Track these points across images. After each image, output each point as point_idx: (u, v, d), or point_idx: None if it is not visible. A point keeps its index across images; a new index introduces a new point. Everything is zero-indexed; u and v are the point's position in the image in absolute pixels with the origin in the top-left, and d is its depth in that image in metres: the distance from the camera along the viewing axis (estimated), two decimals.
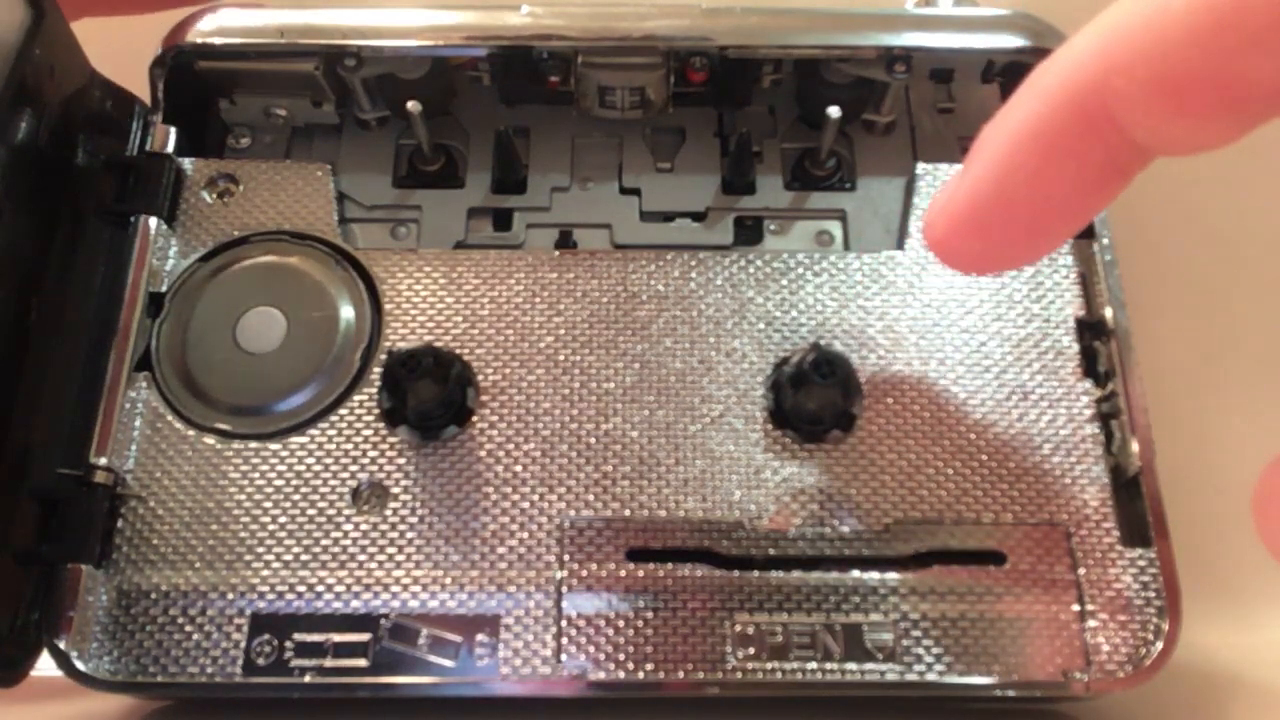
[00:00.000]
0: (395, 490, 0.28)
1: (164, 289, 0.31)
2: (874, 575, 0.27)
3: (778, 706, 0.28)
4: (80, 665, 0.26)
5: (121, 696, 0.28)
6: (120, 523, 0.28)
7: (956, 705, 0.29)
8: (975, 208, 0.21)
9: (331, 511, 0.28)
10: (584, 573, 0.27)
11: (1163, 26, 0.17)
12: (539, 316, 0.30)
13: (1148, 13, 0.17)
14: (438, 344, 0.29)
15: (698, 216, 0.33)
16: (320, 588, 0.27)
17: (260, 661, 0.26)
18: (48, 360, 0.29)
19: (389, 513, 0.28)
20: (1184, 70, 0.17)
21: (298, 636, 0.27)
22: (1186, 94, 0.18)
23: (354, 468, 0.28)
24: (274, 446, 0.29)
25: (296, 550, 0.27)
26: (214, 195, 0.32)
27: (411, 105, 0.31)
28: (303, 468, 0.28)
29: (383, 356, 0.29)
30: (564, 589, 0.27)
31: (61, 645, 0.26)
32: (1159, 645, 0.27)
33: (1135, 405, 0.29)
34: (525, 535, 0.28)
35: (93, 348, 0.29)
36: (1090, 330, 0.30)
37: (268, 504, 0.28)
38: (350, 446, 0.29)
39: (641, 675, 0.26)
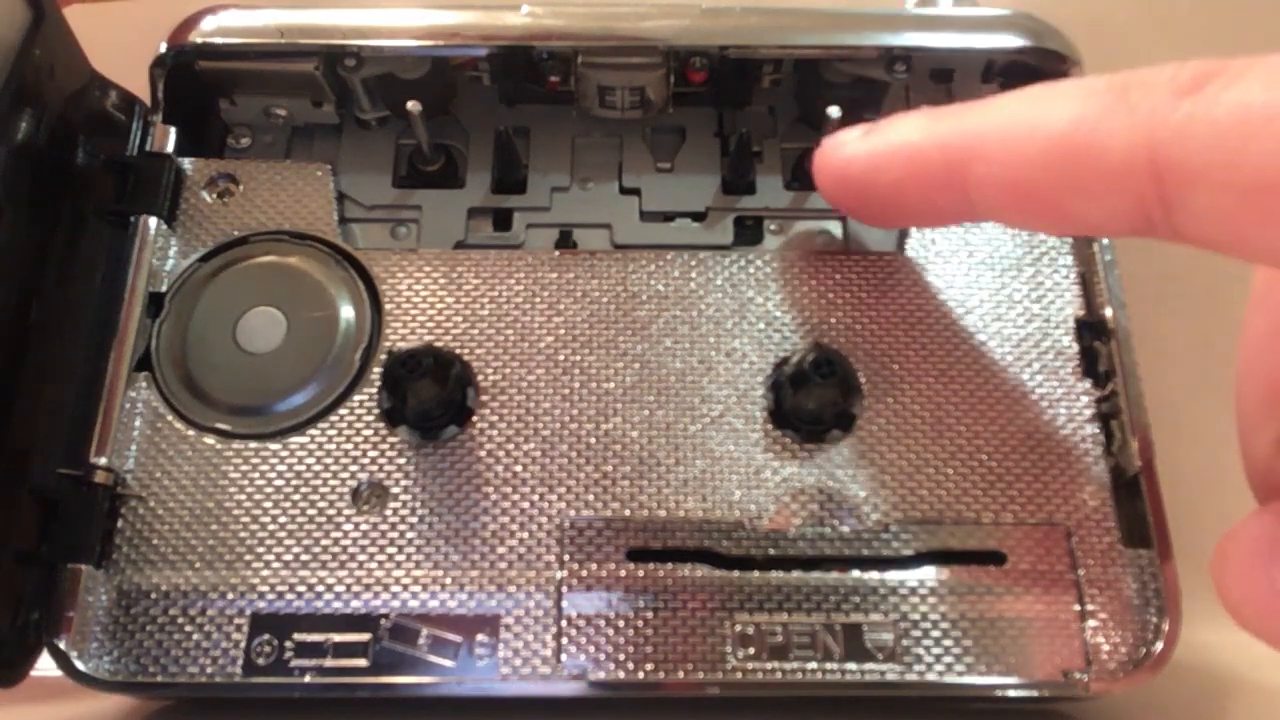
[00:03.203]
0: (395, 490, 0.28)
1: (164, 289, 0.31)
2: (874, 575, 0.27)
3: (778, 706, 0.28)
4: (80, 665, 0.26)
5: (121, 696, 0.28)
6: (120, 523, 0.28)
7: (956, 705, 0.29)
8: (850, 178, 0.26)
9: (331, 511, 0.28)
10: (584, 573, 0.27)
11: (1028, 144, 0.20)
12: (539, 316, 0.30)
13: (1021, 128, 0.21)
14: (438, 344, 0.29)
15: (698, 216, 0.33)
16: (320, 588, 0.27)
17: (260, 661, 0.26)
18: (48, 360, 0.29)
19: (389, 513, 0.28)
20: (1030, 185, 0.21)
21: (298, 636, 0.27)
22: (1026, 202, 0.21)
23: (354, 468, 0.28)
24: (274, 446, 0.29)
25: (296, 550, 0.27)
26: (214, 195, 0.32)
27: (411, 105, 0.31)
28: (303, 468, 0.28)
29: (383, 356, 0.29)
30: (564, 589, 0.27)
31: (61, 645, 0.26)
32: (1159, 645, 0.27)
33: (1135, 405, 0.29)
34: (525, 535, 0.28)
35: (93, 348, 0.29)
36: (1090, 330, 0.30)
37: (268, 504, 0.28)
38: (350, 446, 0.29)
39: (641, 675, 0.26)
